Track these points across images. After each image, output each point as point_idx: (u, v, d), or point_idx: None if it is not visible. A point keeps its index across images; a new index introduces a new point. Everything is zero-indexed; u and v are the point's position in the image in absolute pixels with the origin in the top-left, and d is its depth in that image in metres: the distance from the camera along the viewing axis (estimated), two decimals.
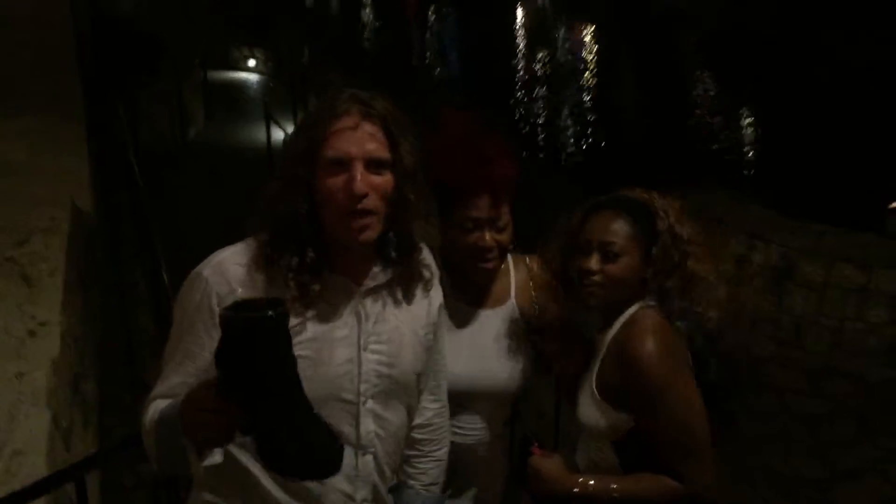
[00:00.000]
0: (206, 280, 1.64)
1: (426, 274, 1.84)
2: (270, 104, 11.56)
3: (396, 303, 1.80)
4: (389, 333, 1.77)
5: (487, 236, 2.12)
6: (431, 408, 1.99)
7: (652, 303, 2.07)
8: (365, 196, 1.61)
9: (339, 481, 1.72)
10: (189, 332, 1.64)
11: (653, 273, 2.04)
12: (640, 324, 2.02)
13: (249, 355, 1.30)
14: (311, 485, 1.70)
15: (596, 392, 2.05)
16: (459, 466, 2.30)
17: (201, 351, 1.62)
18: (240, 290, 1.59)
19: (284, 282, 1.62)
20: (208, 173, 10.38)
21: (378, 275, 1.75)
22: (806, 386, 5.58)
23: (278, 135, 10.28)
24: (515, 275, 2.32)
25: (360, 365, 1.72)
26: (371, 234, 1.65)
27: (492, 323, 2.27)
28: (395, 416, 1.82)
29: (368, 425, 1.75)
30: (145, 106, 10.65)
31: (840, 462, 4.77)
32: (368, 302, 1.74)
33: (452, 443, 2.26)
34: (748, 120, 15.71)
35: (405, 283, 1.80)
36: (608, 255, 2.00)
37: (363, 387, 1.73)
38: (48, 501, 2.17)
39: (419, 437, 1.97)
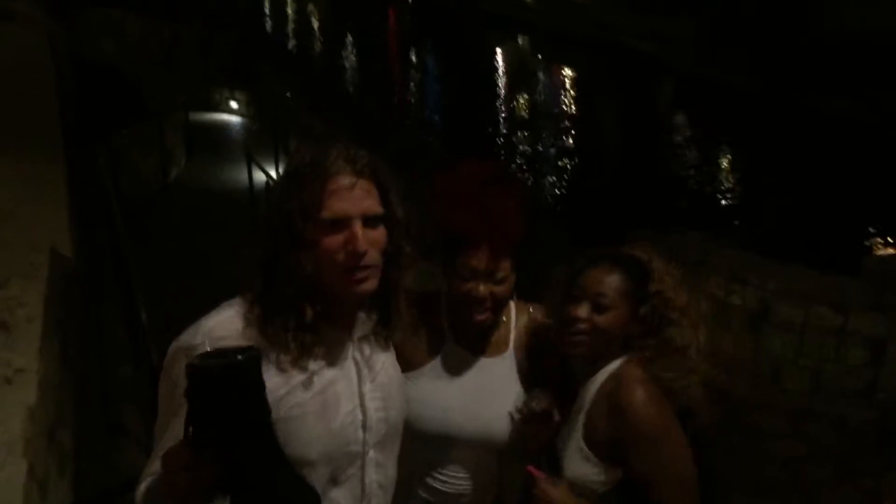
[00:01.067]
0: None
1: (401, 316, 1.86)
2: (252, 146, 11.59)
3: (381, 346, 1.82)
4: (381, 379, 1.79)
5: (482, 287, 2.12)
6: None
7: (635, 356, 2.09)
8: (366, 253, 1.63)
9: None
10: (184, 405, 1.59)
11: (639, 332, 2.07)
12: (627, 376, 2.04)
13: (217, 405, 1.25)
14: None
15: (585, 446, 2.06)
16: None
17: None
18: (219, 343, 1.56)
19: (284, 342, 1.61)
20: (189, 216, 10.37)
21: (365, 321, 1.77)
22: (785, 428, 5.59)
23: (260, 177, 10.29)
24: (517, 323, 2.31)
25: (364, 414, 1.74)
26: (371, 286, 1.67)
27: (489, 371, 2.26)
28: (392, 461, 1.85)
29: (372, 475, 1.77)
30: (126, 149, 10.65)
31: None
32: (361, 350, 1.76)
33: (438, 492, 2.26)
34: (726, 165, 15.91)
35: (387, 326, 1.82)
36: (598, 307, 2.04)
37: (368, 436, 1.74)
38: None
39: None
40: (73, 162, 6.39)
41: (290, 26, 35.72)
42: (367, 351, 1.78)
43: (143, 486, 1.56)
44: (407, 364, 2.15)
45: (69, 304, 4.06)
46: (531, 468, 2.04)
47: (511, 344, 2.29)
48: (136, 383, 4.94)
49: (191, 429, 1.29)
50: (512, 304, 2.31)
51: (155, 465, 1.57)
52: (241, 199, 10.72)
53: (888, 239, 10.99)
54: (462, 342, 2.25)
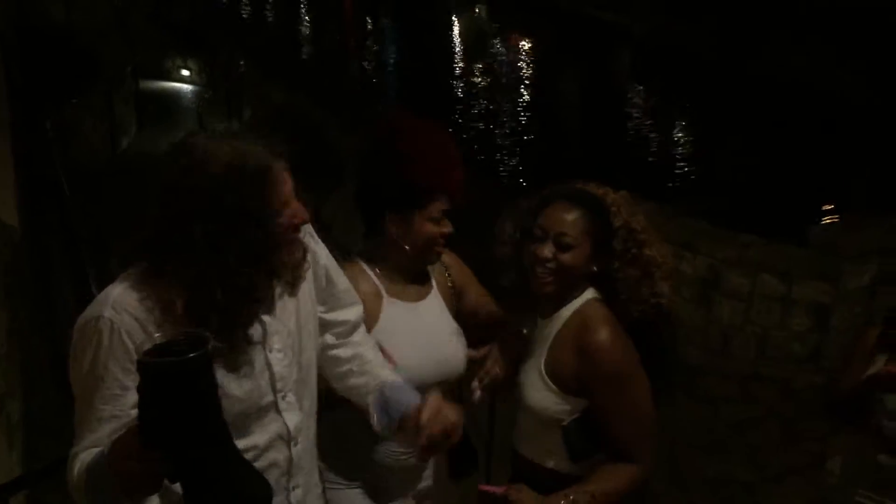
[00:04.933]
0: (109, 321, 1.62)
1: (306, 253, 1.90)
2: (205, 115, 11.43)
3: (287, 294, 1.86)
4: (288, 328, 1.85)
5: (449, 226, 2.35)
6: (356, 331, 2.12)
7: (597, 295, 2.18)
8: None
9: (272, 473, 1.80)
10: (104, 377, 1.61)
11: (617, 265, 2.15)
12: (591, 315, 2.14)
13: (170, 402, 1.23)
14: None
15: (547, 378, 2.14)
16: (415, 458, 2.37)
17: (124, 392, 1.59)
18: (151, 328, 1.61)
19: (206, 317, 1.64)
20: (140, 187, 10.19)
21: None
22: (735, 393, 5.72)
23: None
24: (432, 267, 2.49)
25: (270, 367, 1.80)
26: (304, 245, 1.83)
27: (427, 313, 2.42)
28: (309, 396, 1.93)
29: (293, 418, 1.86)
30: (75, 118, 10.43)
31: (768, 466, 4.90)
32: (268, 307, 1.81)
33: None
34: (679, 134, 16.04)
35: (290, 273, 1.85)
36: (562, 246, 2.11)
37: (278, 384, 1.82)
38: None
39: (366, 351, 2.11)
40: (20, 131, 6.25)
41: None
42: (272, 305, 1.82)
43: (80, 465, 1.56)
44: None
45: (16, 275, 4.00)
46: (485, 487, 2.08)
47: (434, 285, 2.47)
48: None
49: (143, 423, 1.27)
50: None
51: (87, 440, 1.59)
52: None
53: (833, 208, 11.19)
54: (397, 294, 2.39)
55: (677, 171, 13.81)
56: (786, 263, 5.73)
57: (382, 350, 2.24)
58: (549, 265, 2.11)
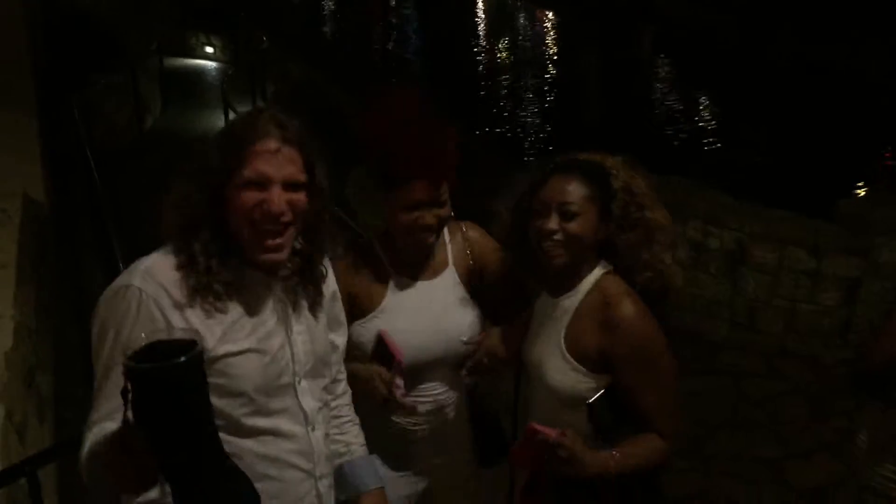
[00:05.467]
0: (138, 290, 1.65)
1: (323, 269, 1.94)
2: (229, 91, 11.44)
3: (305, 287, 1.89)
4: (305, 315, 1.88)
5: (428, 216, 2.21)
6: (342, 378, 2.14)
7: (610, 267, 2.15)
8: (281, 215, 1.69)
9: (298, 460, 1.83)
10: (128, 346, 1.57)
11: (616, 229, 2.11)
12: (612, 289, 2.10)
13: (155, 405, 1.25)
14: (274, 472, 1.78)
15: (569, 357, 2.10)
16: (428, 431, 2.40)
17: None
18: (180, 298, 1.65)
19: (209, 286, 1.69)
20: (165, 162, 10.24)
21: (289, 265, 1.85)
22: (761, 368, 5.68)
23: None
24: (451, 243, 2.43)
25: (291, 347, 1.83)
26: (281, 257, 1.75)
27: (436, 291, 2.37)
28: (322, 389, 1.95)
29: (309, 402, 1.87)
30: (100, 97, 10.49)
31: (794, 442, 4.87)
32: (285, 290, 1.84)
33: (419, 411, 2.35)
34: (706, 110, 15.86)
35: (310, 270, 1.89)
36: (566, 215, 2.06)
37: (297, 367, 1.84)
38: (1, 496, 2.15)
39: (343, 402, 2.12)
40: (46, 111, 6.30)
41: None
42: (290, 290, 1.86)
43: (88, 445, 1.58)
44: (364, 309, 2.29)
45: (44, 250, 4.04)
46: (537, 426, 2.01)
47: (450, 261, 2.40)
48: None
49: (132, 422, 1.28)
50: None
51: (104, 408, 1.61)
52: None
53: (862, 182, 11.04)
54: (406, 272, 2.35)
55: (705, 147, 13.66)
56: (814, 237, 5.66)
57: (387, 341, 2.24)
58: (556, 237, 2.07)
